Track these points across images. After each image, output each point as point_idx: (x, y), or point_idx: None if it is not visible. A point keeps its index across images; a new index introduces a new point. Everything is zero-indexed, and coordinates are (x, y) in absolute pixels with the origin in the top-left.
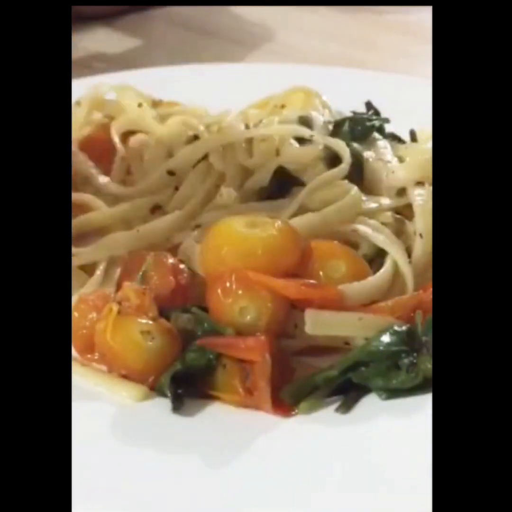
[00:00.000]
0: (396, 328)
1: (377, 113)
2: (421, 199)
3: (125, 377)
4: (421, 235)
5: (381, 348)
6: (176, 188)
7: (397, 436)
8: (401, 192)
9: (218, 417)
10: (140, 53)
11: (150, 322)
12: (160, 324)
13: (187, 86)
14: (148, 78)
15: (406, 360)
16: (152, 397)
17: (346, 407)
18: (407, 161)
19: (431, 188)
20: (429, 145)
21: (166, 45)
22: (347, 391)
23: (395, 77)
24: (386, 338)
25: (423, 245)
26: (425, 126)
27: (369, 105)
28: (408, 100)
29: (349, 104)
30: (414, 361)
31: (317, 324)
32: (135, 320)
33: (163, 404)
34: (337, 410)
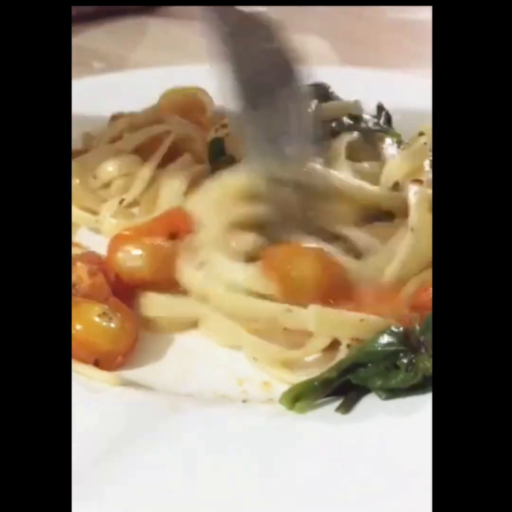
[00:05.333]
0: (393, 328)
1: (388, 115)
2: (415, 194)
3: (96, 363)
4: (412, 229)
5: (379, 348)
6: None
7: (398, 435)
8: (396, 186)
9: (218, 416)
10: (140, 53)
11: (104, 305)
12: (113, 303)
13: (187, 86)
14: (148, 78)
15: (404, 360)
16: (152, 397)
17: (346, 407)
18: (399, 154)
19: (426, 185)
20: (422, 139)
21: (166, 45)
22: (346, 391)
23: (394, 76)
24: (383, 339)
25: (411, 239)
26: (425, 126)
27: (380, 107)
28: (407, 99)
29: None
30: (413, 360)
31: (321, 322)
32: (90, 306)
33: (163, 403)
34: (337, 410)
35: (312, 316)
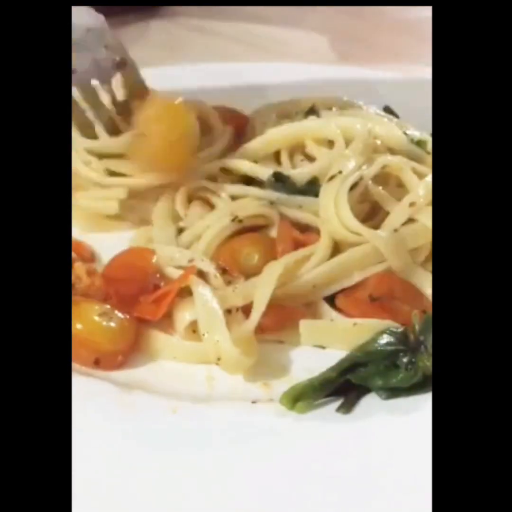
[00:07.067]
0: (392, 328)
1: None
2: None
3: (97, 363)
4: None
5: (379, 348)
6: None
7: (398, 434)
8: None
9: (217, 417)
10: (139, 52)
11: (105, 305)
12: (112, 302)
13: (188, 85)
14: (148, 78)
15: (404, 359)
16: (151, 397)
17: (347, 407)
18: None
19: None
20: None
21: (166, 45)
22: (347, 391)
23: (394, 76)
24: (383, 339)
25: None
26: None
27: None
28: (407, 99)
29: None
30: (413, 359)
31: (312, 334)
32: (90, 305)
33: (164, 404)
34: (338, 410)
35: (302, 331)
